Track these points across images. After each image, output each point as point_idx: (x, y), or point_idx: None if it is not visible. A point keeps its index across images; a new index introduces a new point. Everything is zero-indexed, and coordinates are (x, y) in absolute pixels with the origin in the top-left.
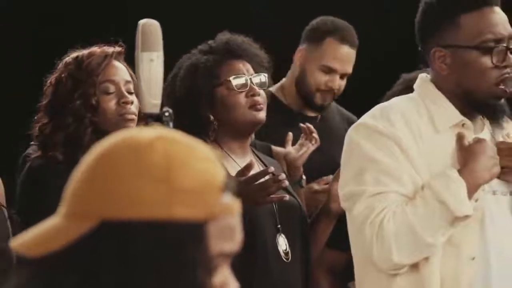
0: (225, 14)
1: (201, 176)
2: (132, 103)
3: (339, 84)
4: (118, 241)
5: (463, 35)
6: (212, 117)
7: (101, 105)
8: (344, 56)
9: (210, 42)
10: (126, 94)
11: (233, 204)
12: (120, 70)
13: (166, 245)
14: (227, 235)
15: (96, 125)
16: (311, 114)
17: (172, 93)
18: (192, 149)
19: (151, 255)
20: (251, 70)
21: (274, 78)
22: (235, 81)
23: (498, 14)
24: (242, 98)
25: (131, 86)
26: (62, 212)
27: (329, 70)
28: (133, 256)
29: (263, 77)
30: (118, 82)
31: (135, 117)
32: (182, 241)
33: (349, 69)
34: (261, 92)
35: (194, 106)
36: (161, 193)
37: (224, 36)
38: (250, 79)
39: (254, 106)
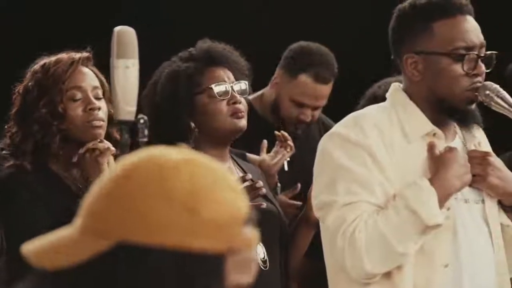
0: (203, 21)
1: (226, 208)
2: (99, 109)
3: (312, 114)
4: (132, 266)
5: (436, 42)
6: (193, 125)
7: (68, 112)
8: (316, 93)
9: (191, 49)
10: (93, 100)
11: (252, 237)
12: (87, 76)
13: (183, 276)
14: (245, 268)
15: (64, 133)
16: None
17: (152, 100)
18: (217, 177)
19: (166, 283)
20: (232, 78)
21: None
22: (217, 89)
23: (471, 22)
24: (223, 106)
25: (99, 92)
26: (79, 225)
27: (300, 105)
28: (148, 282)
29: (244, 85)
30: (85, 89)
31: (104, 123)
32: (199, 273)
33: (322, 103)
34: (242, 99)
35: (175, 113)
36: (184, 222)
37: (204, 44)
38: (231, 86)
39: (235, 114)
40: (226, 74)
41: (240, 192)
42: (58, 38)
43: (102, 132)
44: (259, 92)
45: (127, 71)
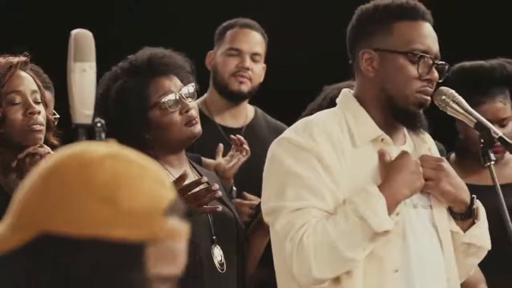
0: (161, 26)
1: (147, 198)
2: (39, 113)
3: (251, 65)
4: (55, 255)
5: (394, 41)
6: (148, 137)
7: (8, 116)
8: (246, 37)
9: (131, 59)
10: (33, 104)
11: (178, 228)
12: (26, 80)
13: (103, 264)
14: (168, 259)
15: (3, 137)
16: (235, 125)
17: (105, 117)
18: (141, 169)
19: (87, 273)
20: (179, 83)
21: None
22: (166, 101)
23: (430, 29)
24: (176, 117)
25: (38, 96)
26: (7, 222)
27: (236, 52)
28: (69, 271)
29: (191, 87)
30: (25, 93)
31: (43, 128)
32: (120, 261)
33: (256, 48)
34: (193, 104)
35: (130, 129)
36: (105, 213)
37: (145, 53)
38: (180, 94)
39: (189, 122)
40: (173, 81)
41: (167, 185)
42: (58, 38)
43: (41, 136)
44: (202, 97)
45: (84, 74)
